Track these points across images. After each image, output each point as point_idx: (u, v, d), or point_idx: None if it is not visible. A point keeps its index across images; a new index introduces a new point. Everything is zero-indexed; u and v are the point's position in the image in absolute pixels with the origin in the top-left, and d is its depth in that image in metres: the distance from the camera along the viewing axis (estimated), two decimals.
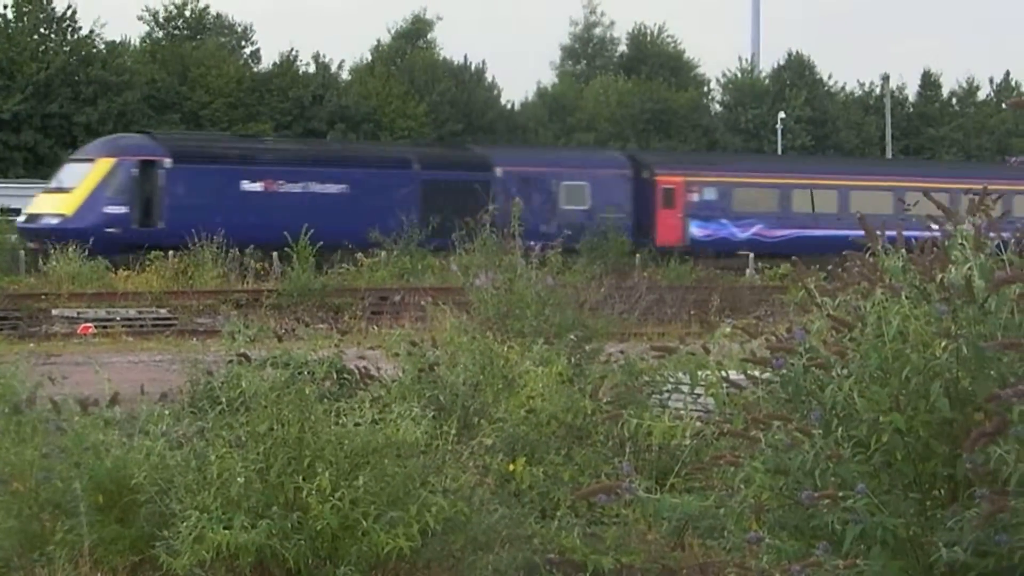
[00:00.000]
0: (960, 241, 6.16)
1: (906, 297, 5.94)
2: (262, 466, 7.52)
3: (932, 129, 77.39)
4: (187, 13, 67.29)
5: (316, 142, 55.50)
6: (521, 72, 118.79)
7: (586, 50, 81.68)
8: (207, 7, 67.75)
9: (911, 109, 79.73)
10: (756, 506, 6.05)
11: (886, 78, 77.43)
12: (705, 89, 78.85)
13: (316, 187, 44.65)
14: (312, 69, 66.26)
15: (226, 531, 7.21)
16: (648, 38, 79.62)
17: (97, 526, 7.81)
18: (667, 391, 9.57)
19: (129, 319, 30.69)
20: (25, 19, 58.75)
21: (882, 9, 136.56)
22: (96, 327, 29.34)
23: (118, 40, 63.22)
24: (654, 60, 77.14)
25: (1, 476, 8.08)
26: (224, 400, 8.04)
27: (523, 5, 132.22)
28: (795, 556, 5.79)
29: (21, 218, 42.77)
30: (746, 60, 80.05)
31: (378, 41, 73.87)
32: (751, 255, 45.28)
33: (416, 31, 74.20)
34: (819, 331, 6.28)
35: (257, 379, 8.00)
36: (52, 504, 7.99)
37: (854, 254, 6.43)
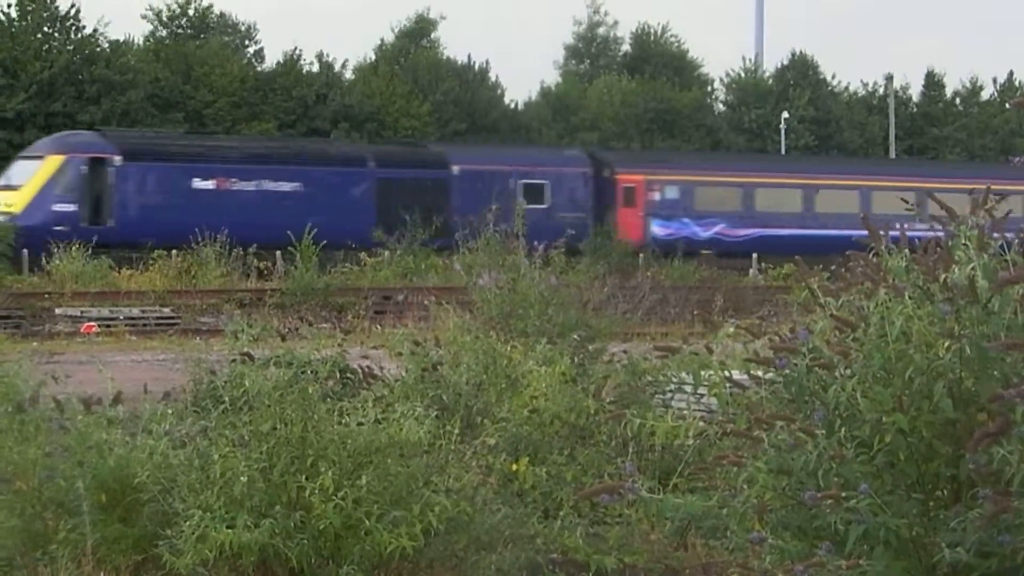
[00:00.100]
0: (963, 241, 6.16)
1: (909, 297, 5.94)
2: (265, 465, 7.52)
3: (936, 129, 77.30)
4: (191, 12, 67.24)
5: (270, 139, 54.88)
6: (525, 72, 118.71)
7: (589, 50, 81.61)
8: (211, 6, 67.80)
9: (915, 109, 79.61)
10: (759, 506, 6.05)
11: (890, 78, 77.39)
12: (709, 89, 78.78)
13: (269, 185, 44.33)
14: (316, 68, 66.21)
15: (229, 530, 7.22)
16: (652, 38, 79.53)
17: (100, 525, 7.81)
18: (670, 391, 9.58)
19: (132, 318, 30.73)
20: (29, 18, 58.70)
21: (886, 9, 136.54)
22: (99, 326, 29.38)
23: (122, 39, 63.18)
24: (658, 60, 77.06)
25: (4, 475, 8.09)
26: (227, 399, 8.04)
27: (526, 5, 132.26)
28: (798, 556, 5.79)
29: None
30: (750, 60, 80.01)
31: (382, 40, 73.91)
32: (754, 255, 45.24)
33: (420, 30, 74.15)
34: (822, 331, 6.28)
35: (260, 378, 8.00)
36: (55, 503, 8.00)
37: (857, 254, 6.42)
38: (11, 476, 8.04)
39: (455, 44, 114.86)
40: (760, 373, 6.49)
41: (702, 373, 8.39)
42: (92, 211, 41.99)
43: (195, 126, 60.28)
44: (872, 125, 75.95)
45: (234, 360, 9.19)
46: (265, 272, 38.30)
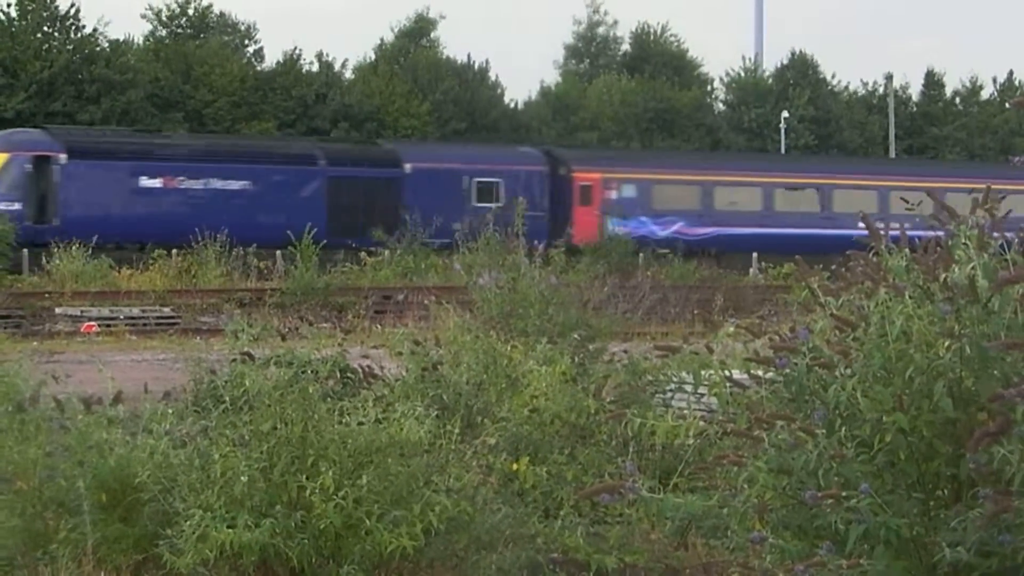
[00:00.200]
0: (963, 240, 6.16)
1: (910, 297, 5.94)
2: (265, 465, 7.52)
3: (935, 128, 77.30)
4: (190, 12, 67.25)
5: (219, 137, 54.04)
6: (524, 71, 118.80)
7: (589, 49, 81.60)
8: (210, 6, 67.78)
9: (914, 108, 79.61)
10: (759, 506, 6.05)
11: (889, 77, 77.42)
12: (708, 88, 78.81)
13: (218, 183, 43.90)
14: (315, 68, 66.22)
15: (229, 530, 7.22)
16: (651, 37, 79.53)
17: (100, 525, 7.81)
18: (670, 390, 9.58)
19: (132, 318, 30.74)
20: (28, 17, 58.71)
21: (885, 8, 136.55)
22: (99, 325, 29.39)
23: (121, 39, 63.23)
24: (657, 59, 77.05)
25: (5, 475, 8.09)
26: (228, 399, 8.04)
27: (526, 4, 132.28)
28: (798, 556, 5.79)
29: None
30: (749, 59, 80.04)
31: (381, 40, 73.91)
32: (754, 254, 45.21)
33: (419, 30, 74.14)
34: (822, 331, 6.28)
35: (261, 378, 8.00)
36: (56, 503, 8.00)
37: (857, 253, 6.42)
38: (12, 476, 8.05)
39: (455, 44, 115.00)
40: (760, 372, 6.49)
41: (702, 373, 8.39)
42: (37, 210, 41.51)
43: (195, 126, 60.30)
44: (872, 124, 75.95)
45: (234, 360, 9.19)
46: (265, 272, 38.29)
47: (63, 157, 42.41)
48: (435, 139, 61.61)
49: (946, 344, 5.74)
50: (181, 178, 43.59)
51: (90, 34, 60.25)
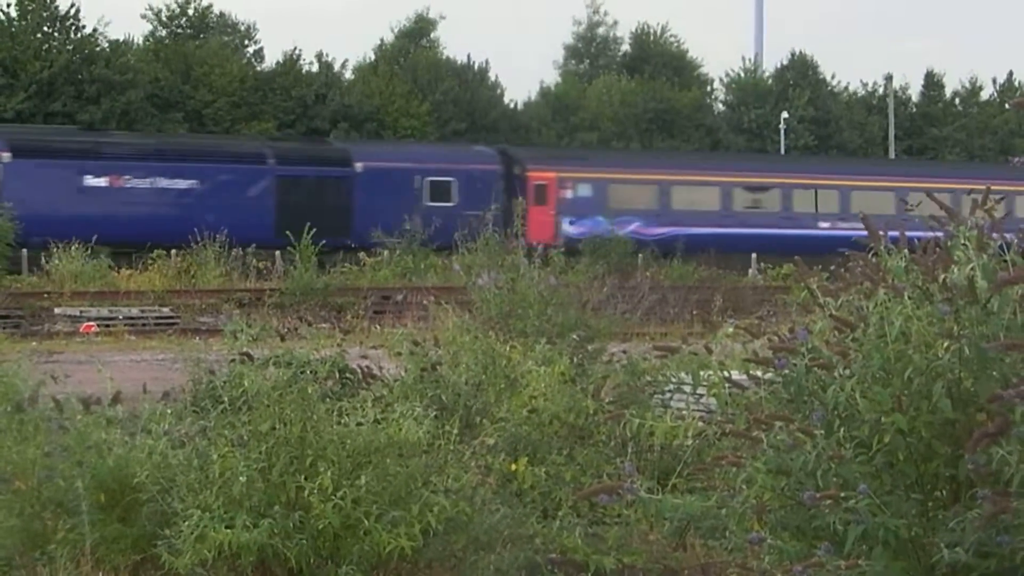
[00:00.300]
0: (963, 241, 6.16)
1: (909, 297, 5.94)
2: (264, 465, 7.52)
3: (935, 129, 77.31)
4: (190, 12, 67.23)
5: (166, 136, 53.37)
6: (524, 71, 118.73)
7: (589, 49, 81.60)
8: (210, 6, 67.75)
9: (914, 109, 79.61)
10: (758, 506, 6.05)
11: (889, 78, 77.37)
12: (708, 89, 78.79)
13: (164, 182, 43.49)
14: (315, 68, 66.20)
15: (228, 530, 7.22)
16: (651, 37, 79.52)
17: (99, 525, 7.81)
18: (669, 391, 9.57)
19: (131, 318, 30.74)
20: (28, 17, 58.69)
21: (885, 9, 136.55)
22: (98, 326, 29.39)
23: (121, 39, 63.21)
24: (657, 60, 77.05)
25: (3, 475, 8.09)
26: (226, 399, 8.04)
27: (526, 4, 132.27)
28: (797, 557, 5.79)
29: None
30: (749, 60, 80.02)
31: (381, 40, 73.89)
32: (754, 255, 45.16)
33: (419, 30, 74.14)
34: (821, 331, 6.28)
35: (259, 378, 8.00)
36: (54, 503, 8.00)
37: (856, 254, 6.42)
38: (10, 476, 8.04)
39: (455, 44, 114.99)
40: (759, 373, 6.49)
41: (701, 373, 8.39)
42: None
43: (195, 126, 60.31)
44: (872, 125, 75.96)
45: (233, 360, 9.19)
46: (264, 272, 38.29)
47: (7, 156, 42.00)
48: (389, 139, 60.95)
49: (945, 345, 5.74)
50: (127, 177, 43.15)
51: (90, 34, 60.25)
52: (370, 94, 65.15)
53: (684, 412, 8.51)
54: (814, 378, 6.03)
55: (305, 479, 7.42)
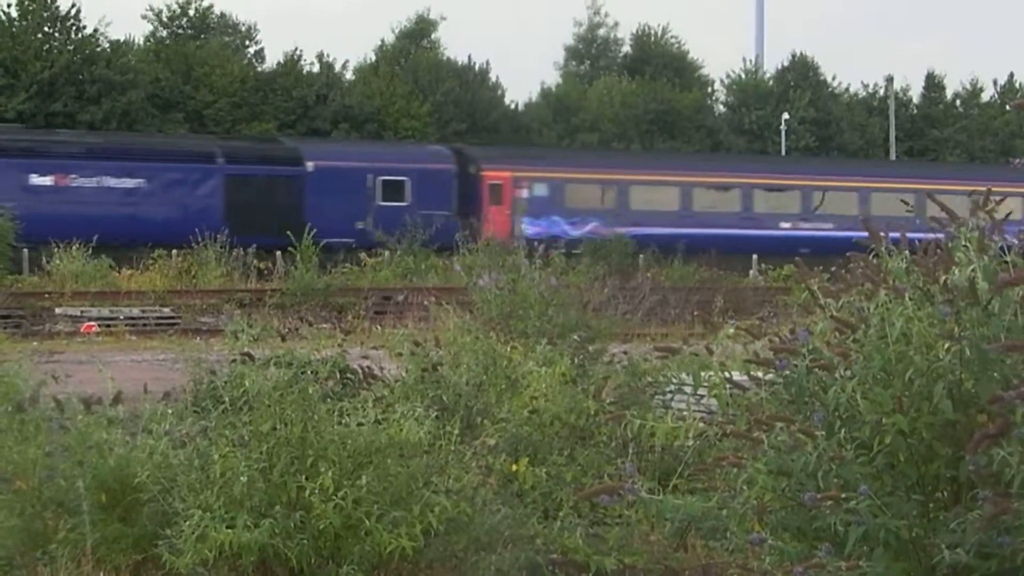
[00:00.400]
0: (964, 243, 6.16)
1: (910, 299, 5.94)
2: (265, 465, 7.53)
3: (936, 131, 77.33)
4: (191, 12, 67.26)
5: (112, 134, 52.40)
6: (525, 73, 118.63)
7: (590, 51, 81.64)
8: (211, 6, 67.80)
9: (915, 111, 79.64)
10: (759, 507, 6.05)
11: (890, 79, 77.39)
12: (709, 90, 78.83)
13: (111, 181, 43.11)
14: (316, 69, 66.22)
15: (229, 530, 7.22)
16: (652, 39, 79.55)
17: (100, 525, 7.81)
18: (670, 392, 9.57)
19: (132, 318, 30.74)
20: (29, 18, 58.72)
21: (886, 10, 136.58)
22: (99, 326, 29.40)
23: (122, 39, 63.27)
24: (658, 61, 77.08)
25: (4, 474, 8.09)
26: (227, 399, 8.04)
27: (527, 5, 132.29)
28: (798, 557, 5.79)
29: None
30: (750, 61, 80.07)
31: (382, 41, 73.94)
32: (754, 256, 45.13)
33: (420, 31, 74.18)
34: (822, 332, 6.28)
35: (260, 378, 8.00)
36: (55, 503, 8.00)
37: (857, 255, 6.42)
38: (11, 476, 8.05)
39: (455, 45, 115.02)
40: (760, 374, 6.49)
41: (702, 374, 8.38)
42: None
43: (195, 126, 60.33)
44: (873, 126, 75.98)
45: (234, 360, 9.20)
46: (265, 272, 38.29)
47: None
48: (341, 138, 60.23)
49: (946, 346, 5.74)
50: (73, 176, 42.83)
51: (91, 35, 60.28)
52: (371, 95, 65.16)
53: (685, 413, 8.50)
54: (815, 379, 6.03)
55: (306, 479, 7.42)
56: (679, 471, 8.78)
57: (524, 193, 48.32)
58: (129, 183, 43.36)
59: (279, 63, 66.08)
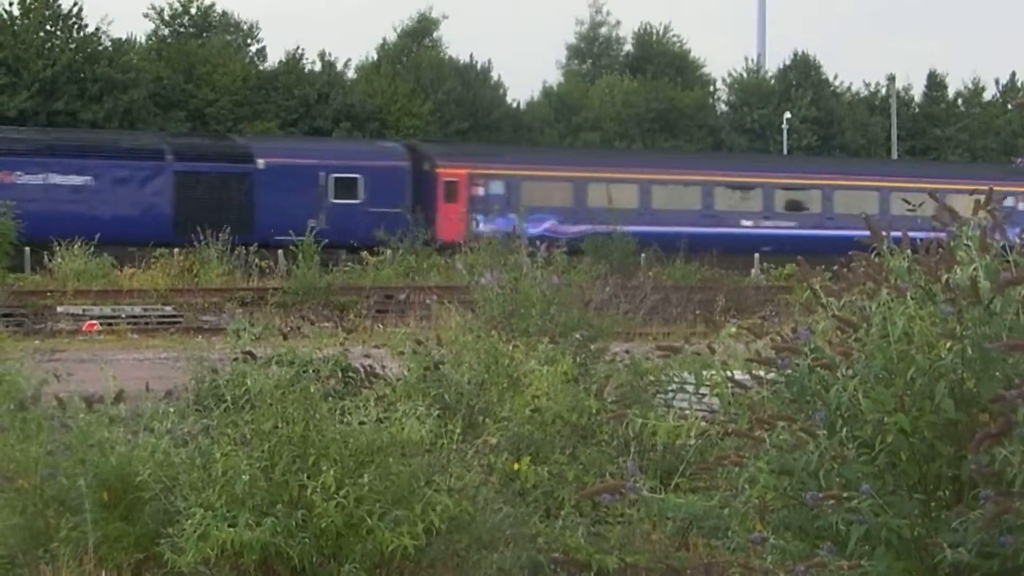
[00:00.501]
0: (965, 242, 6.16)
1: (911, 298, 5.94)
2: (267, 464, 7.52)
3: (938, 130, 77.32)
4: (193, 11, 67.28)
5: (59, 131, 51.62)
6: (527, 71, 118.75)
7: (592, 49, 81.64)
8: (213, 5, 67.80)
9: (917, 110, 79.60)
10: (760, 506, 6.05)
11: (892, 78, 77.34)
12: (711, 89, 78.78)
13: (58, 178, 42.80)
14: (318, 67, 66.23)
15: (230, 529, 7.22)
16: (654, 38, 79.54)
17: (102, 523, 7.81)
18: (672, 391, 9.57)
19: (134, 316, 30.74)
20: (31, 16, 58.74)
21: (888, 9, 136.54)
22: (101, 324, 29.41)
23: (124, 38, 63.29)
24: (660, 60, 77.06)
25: (6, 473, 8.09)
26: (229, 398, 8.04)
27: (529, 4, 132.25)
28: (799, 556, 5.79)
29: None
30: (752, 60, 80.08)
31: (384, 40, 73.92)
32: (756, 255, 45.09)
33: (422, 30, 74.17)
34: (824, 331, 6.28)
35: (262, 377, 8.00)
36: (57, 501, 8.00)
37: (859, 254, 6.42)
38: (13, 474, 8.05)
39: (457, 43, 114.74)
40: (762, 373, 6.49)
41: (704, 373, 8.39)
42: None
43: (197, 125, 60.33)
44: (874, 125, 75.98)
45: (236, 359, 9.20)
46: (267, 271, 38.29)
47: None
48: (291, 135, 59.78)
49: (948, 345, 5.74)
50: (19, 173, 42.50)
51: (93, 33, 60.29)
52: (372, 93, 65.15)
53: (687, 412, 8.51)
54: (817, 378, 6.03)
55: (308, 478, 7.42)
56: (681, 470, 8.78)
57: (479, 191, 48.02)
58: (76, 180, 43.01)
59: (281, 62, 66.11)
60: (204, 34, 66.90)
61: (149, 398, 8.80)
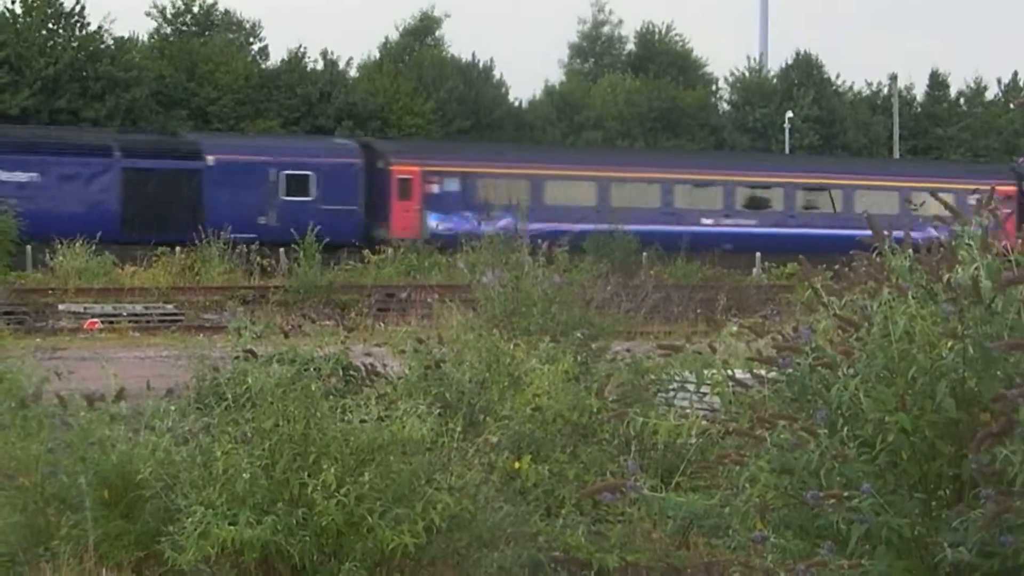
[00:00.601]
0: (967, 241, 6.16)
1: (913, 297, 5.94)
2: (267, 462, 7.53)
3: (940, 129, 77.32)
4: (195, 9, 67.28)
5: (2, 127, 50.10)
6: (529, 70, 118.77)
7: (594, 48, 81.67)
8: (215, 3, 67.79)
9: (919, 109, 79.61)
10: (761, 505, 6.05)
11: (894, 78, 77.36)
12: (713, 88, 78.80)
13: (2, 175, 42.34)
14: (320, 66, 66.24)
15: (231, 527, 7.22)
16: (656, 37, 79.55)
17: (102, 521, 7.82)
18: (673, 390, 9.57)
19: (136, 314, 30.76)
20: (33, 14, 58.77)
21: (890, 9, 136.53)
22: (102, 322, 29.42)
23: (126, 36, 63.33)
24: (662, 59, 77.08)
25: (7, 471, 8.09)
26: (230, 396, 8.04)
27: (531, 3, 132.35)
28: (800, 555, 5.79)
29: None
30: (754, 59, 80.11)
31: (386, 38, 73.95)
32: (758, 254, 45.07)
33: (424, 28, 74.19)
34: (825, 330, 6.28)
35: (263, 375, 8.00)
36: (57, 499, 8.00)
37: (860, 253, 6.41)
38: (14, 472, 8.05)
39: (459, 42, 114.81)
40: (763, 372, 6.48)
41: (705, 372, 8.38)
42: None
43: (199, 123, 60.34)
44: (876, 125, 75.98)
45: (237, 357, 9.20)
46: (268, 269, 38.31)
47: None
48: (244, 133, 59.00)
49: (949, 344, 5.74)
50: None
51: (95, 31, 60.30)
52: (375, 92, 65.15)
53: (688, 411, 8.51)
54: (818, 377, 6.03)
55: (308, 476, 7.42)
56: (681, 469, 8.78)
57: (434, 188, 47.65)
58: (22, 177, 42.66)
59: (283, 60, 66.14)
60: (206, 33, 66.91)
61: (150, 396, 8.81)
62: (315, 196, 45.62)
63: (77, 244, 36.24)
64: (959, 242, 6.19)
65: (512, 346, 10.31)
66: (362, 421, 7.72)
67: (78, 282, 33.98)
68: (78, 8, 59.75)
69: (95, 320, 29.56)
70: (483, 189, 47.21)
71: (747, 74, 77.82)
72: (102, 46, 59.95)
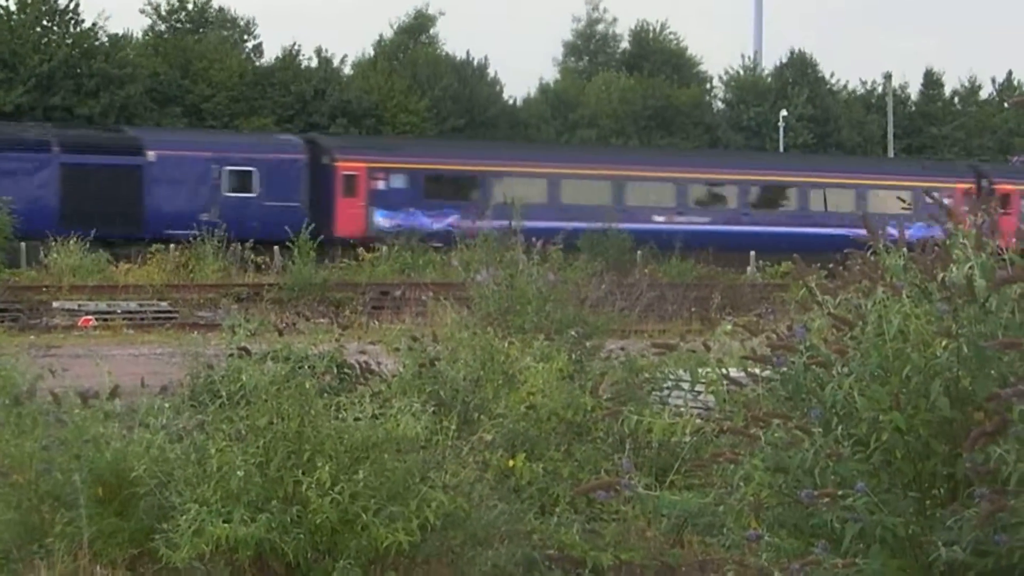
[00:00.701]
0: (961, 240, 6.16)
1: (907, 296, 5.94)
2: (262, 460, 7.52)
3: (934, 128, 77.35)
4: (189, 6, 67.21)
5: None
6: (523, 68, 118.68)
7: (588, 46, 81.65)
8: (209, 1, 67.73)
9: (913, 108, 79.63)
10: (755, 504, 6.05)
11: (888, 76, 77.35)
12: (707, 86, 78.80)
13: None
14: (314, 64, 66.18)
15: (225, 524, 7.22)
16: (650, 35, 79.54)
17: (96, 518, 7.81)
18: (667, 388, 9.57)
19: (130, 312, 30.73)
20: (28, 11, 58.69)
21: (885, 7, 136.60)
22: (97, 320, 29.39)
23: (120, 33, 63.25)
24: (656, 57, 77.06)
25: (1, 468, 8.08)
26: (224, 394, 8.04)
27: (526, 1, 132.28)
28: (794, 554, 5.79)
29: None
30: (748, 57, 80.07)
31: (380, 36, 73.89)
32: (752, 252, 45.07)
33: (418, 26, 74.12)
34: (820, 329, 6.28)
35: (257, 373, 8.00)
36: (52, 496, 8.00)
37: (856, 252, 6.42)
38: (8, 469, 8.04)
39: (454, 40, 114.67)
40: (757, 371, 6.49)
41: (699, 370, 8.39)
42: None
43: (194, 120, 60.29)
44: (871, 124, 75.98)
45: (231, 354, 9.20)
46: (263, 267, 38.28)
47: None
48: (185, 128, 58.43)
49: (943, 343, 5.74)
50: None
51: (89, 28, 60.22)
52: (369, 90, 65.10)
53: (682, 409, 8.51)
54: (812, 376, 6.03)
55: (303, 474, 7.42)
56: (676, 467, 8.79)
57: (380, 185, 47.14)
58: None
59: (277, 58, 66.07)
60: (201, 30, 66.84)
61: (144, 394, 8.80)
62: (258, 192, 45.24)
63: (72, 241, 36.19)
64: (953, 241, 6.20)
65: (506, 344, 10.31)
66: (356, 419, 7.72)
67: (72, 279, 33.93)
68: (72, 5, 59.67)
69: (89, 317, 29.52)
70: (430, 185, 46.94)
71: (741, 72, 77.81)
72: (96, 43, 59.88)
